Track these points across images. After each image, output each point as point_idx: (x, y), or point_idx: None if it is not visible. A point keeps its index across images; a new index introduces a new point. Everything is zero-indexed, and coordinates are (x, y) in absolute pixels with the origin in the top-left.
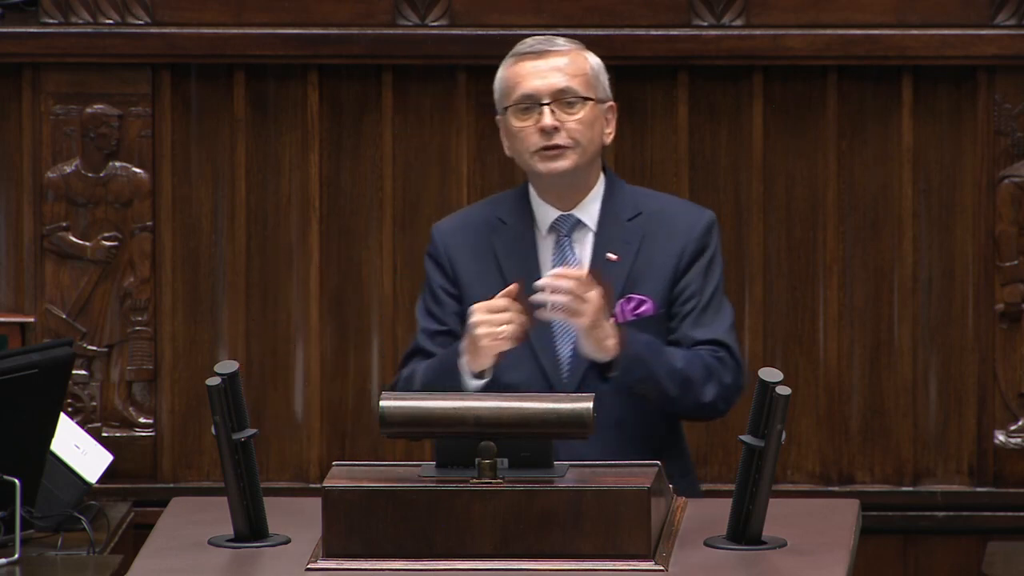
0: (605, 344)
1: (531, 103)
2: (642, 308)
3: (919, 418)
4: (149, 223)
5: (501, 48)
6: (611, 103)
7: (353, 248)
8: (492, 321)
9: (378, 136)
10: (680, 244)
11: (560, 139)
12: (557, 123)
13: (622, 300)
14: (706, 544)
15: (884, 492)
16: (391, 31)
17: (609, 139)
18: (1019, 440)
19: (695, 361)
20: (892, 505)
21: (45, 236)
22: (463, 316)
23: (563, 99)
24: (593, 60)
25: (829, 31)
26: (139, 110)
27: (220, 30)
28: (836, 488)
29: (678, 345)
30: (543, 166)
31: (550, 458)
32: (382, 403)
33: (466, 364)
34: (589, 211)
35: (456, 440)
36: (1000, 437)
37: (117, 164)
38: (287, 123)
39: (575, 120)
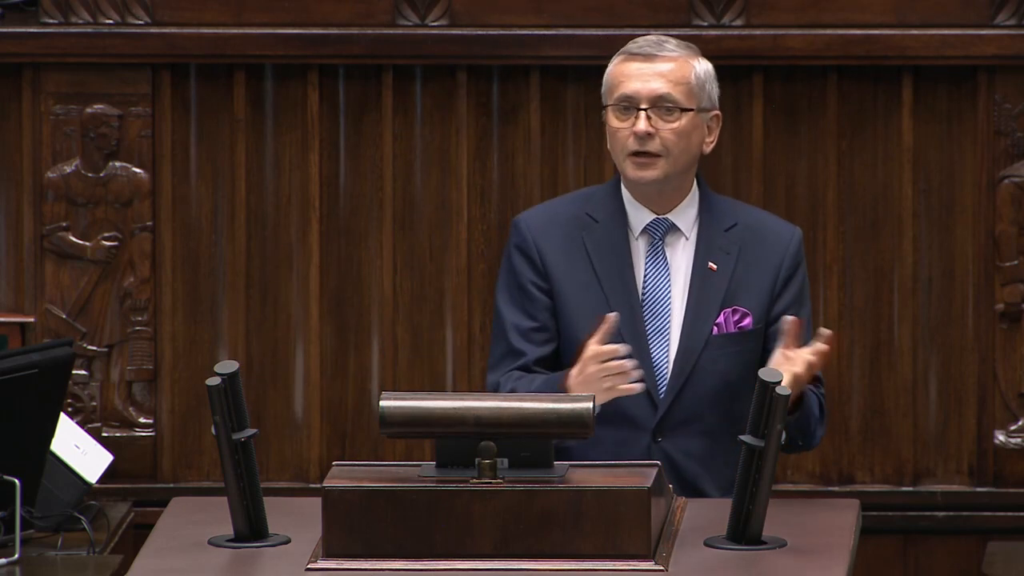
0: (801, 380)
1: (630, 104)
2: (744, 322)
3: (919, 418)
4: (149, 223)
5: (501, 48)
6: (715, 112)
7: (353, 248)
8: (609, 369)
9: (378, 136)
10: (777, 260)
11: (652, 146)
12: (652, 129)
13: (726, 310)
14: (706, 544)
15: (884, 492)
16: (391, 31)
17: (709, 148)
18: (1019, 440)
19: (818, 407)
20: (892, 505)
21: (45, 236)
22: (554, 311)
23: (661, 105)
24: (700, 68)
25: (829, 31)
26: (139, 110)
27: (220, 30)
28: (836, 488)
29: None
30: (632, 172)
31: (550, 458)
32: (382, 403)
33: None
34: (684, 217)
35: (456, 440)
36: (1000, 437)
37: (117, 164)
38: (287, 123)
39: (670, 128)
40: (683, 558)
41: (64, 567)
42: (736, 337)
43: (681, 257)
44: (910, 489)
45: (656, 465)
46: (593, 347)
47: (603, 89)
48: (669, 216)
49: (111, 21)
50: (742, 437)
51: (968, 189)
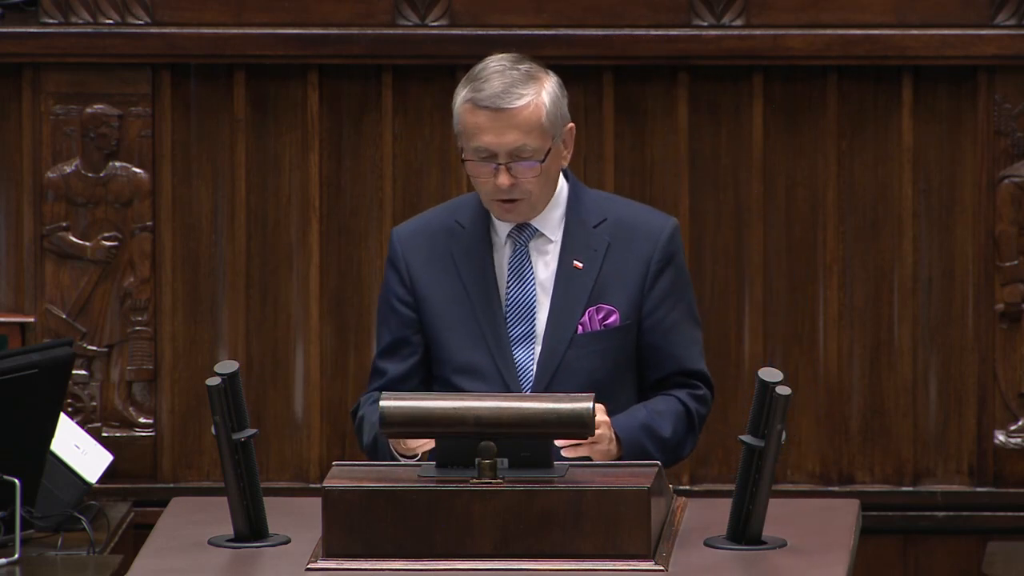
0: (612, 454)
1: (488, 155)
2: (610, 319)
3: (919, 418)
4: (149, 223)
5: (501, 48)
6: (568, 127)
7: (353, 248)
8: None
9: (378, 136)
10: (647, 253)
11: (516, 194)
12: (512, 180)
13: (591, 309)
14: (706, 544)
15: (884, 492)
16: (391, 31)
17: (567, 161)
18: (1019, 440)
19: (680, 422)
20: (892, 505)
21: (45, 236)
22: (417, 325)
23: (519, 156)
24: (549, 98)
25: (829, 31)
26: (139, 110)
27: (220, 30)
28: (836, 488)
29: (653, 359)
30: (499, 215)
31: (550, 458)
32: (382, 403)
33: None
34: (549, 219)
35: (456, 440)
36: (1000, 437)
37: (117, 164)
38: (287, 123)
39: (531, 175)
40: (683, 558)
41: (64, 567)
42: (602, 335)
43: (547, 258)
44: (910, 489)
45: (656, 465)
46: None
47: (456, 129)
48: (532, 222)
49: (111, 21)
50: (742, 437)
51: (968, 189)
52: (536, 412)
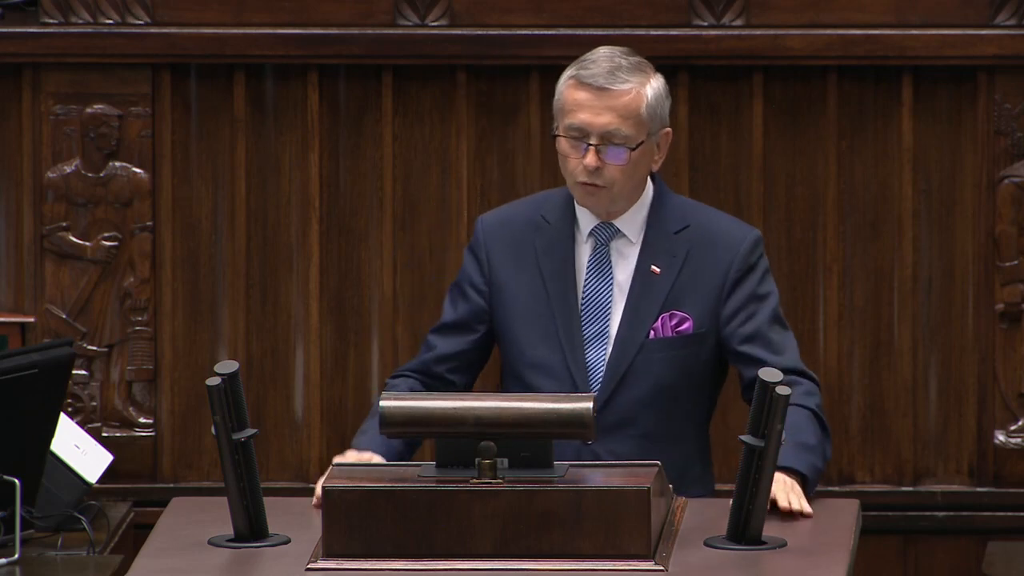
0: (798, 490)
1: (579, 135)
2: (683, 326)
3: (919, 418)
4: (149, 223)
5: (501, 48)
6: (666, 130)
7: (353, 248)
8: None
9: (378, 136)
10: (726, 263)
11: (600, 179)
12: (600, 164)
13: (664, 315)
14: (706, 544)
15: (884, 492)
16: (391, 31)
17: (657, 166)
18: (1019, 440)
19: (816, 429)
20: (892, 505)
21: (45, 236)
22: (484, 315)
23: (611, 140)
24: (652, 93)
25: (829, 31)
26: (139, 110)
27: (220, 30)
28: (836, 488)
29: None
30: (580, 199)
31: (550, 458)
32: (382, 403)
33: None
34: (632, 221)
35: (456, 440)
36: (1000, 437)
37: (117, 164)
38: (287, 123)
39: (618, 163)
40: (683, 558)
41: (64, 567)
42: (673, 341)
43: (626, 261)
44: (910, 489)
45: (656, 465)
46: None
47: (555, 107)
48: (615, 222)
49: (111, 21)
50: (742, 437)
51: (968, 189)
52: (536, 412)
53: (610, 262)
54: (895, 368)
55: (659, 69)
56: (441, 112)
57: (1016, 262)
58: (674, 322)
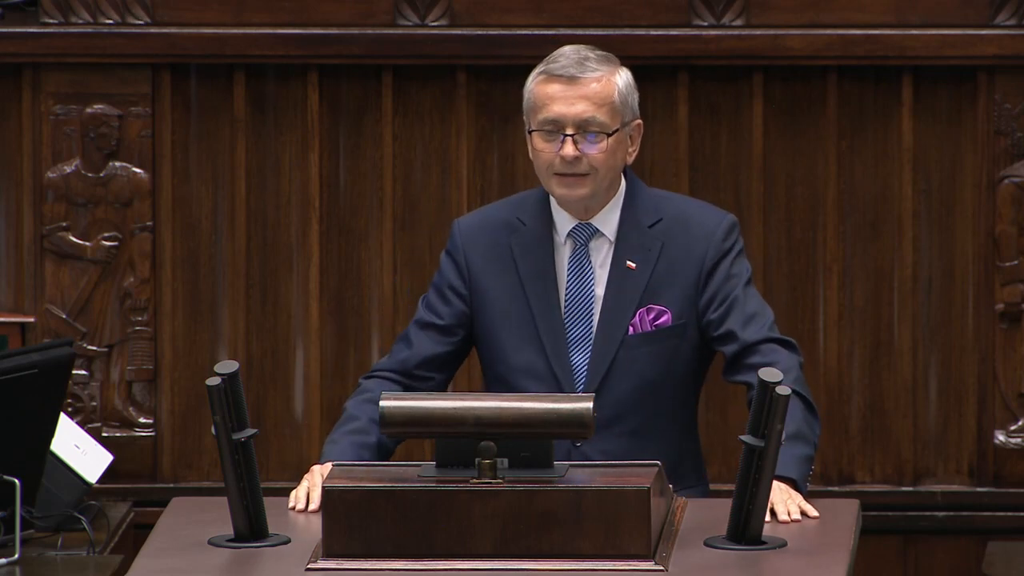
0: (793, 493)
1: (555, 128)
2: (661, 319)
3: (919, 418)
4: (149, 223)
5: (501, 48)
6: (637, 121)
7: (353, 248)
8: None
9: (378, 136)
10: (701, 251)
11: (580, 168)
12: (579, 153)
13: (642, 310)
14: (706, 544)
15: (884, 492)
16: (391, 31)
17: (632, 158)
18: (1019, 440)
19: (800, 411)
20: (892, 505)
21: (45, 236)
22: (465, 319)
23: (587, 129)
24: (622, 82)
25: (829, 31)
26: (139, 110)
27: (220, 30)
28: (836, 488)
29: (729, 341)
30: (560, 190)
31: (550, 458)
32: (382, 403)
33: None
34: (608, 220)
35: (456, 440)
36: (1000, 437)
37: (117, 164)
38: (287, 123)
39: (597, 150)
40: (683, 558)
41: (64, 567)
42: (653, 336)
43: (604, 259)
44: (910, 489)
45: (656, 465)
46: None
47: (524, 107)
48: (592, 221)
49: (111, 21)
50: (742, 437)
51: (968, 189)
52: (536, 412)
53: (590, 262)
54: (895, 368)
55: (659, 69)
56: (441, 112)
57: (1016, 262)
58: (652, 316)
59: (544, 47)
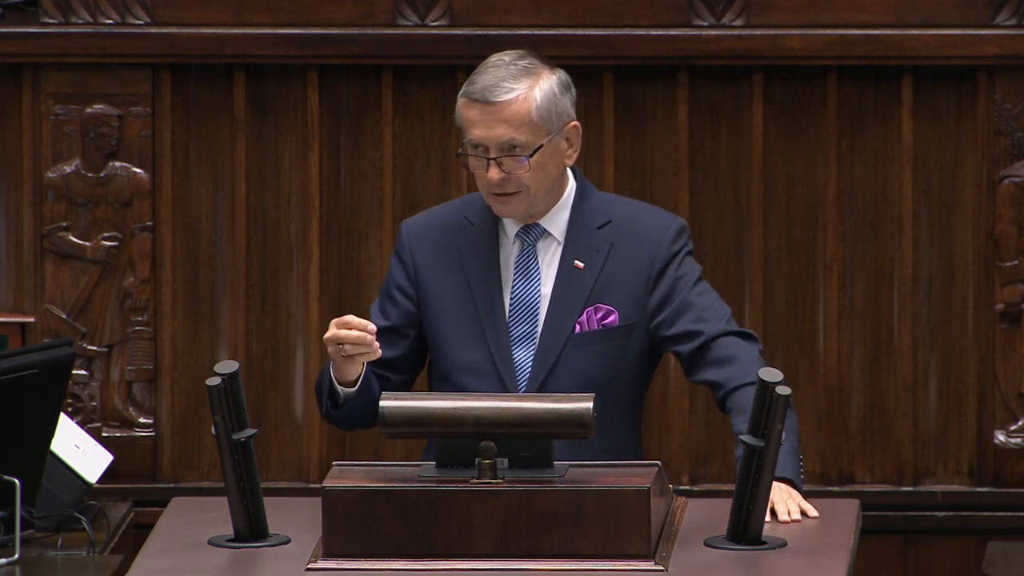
0: (793, 493)
1: (481, 151)
2: (609, 319)
3: (919, 418)
4: (149, 223)
5: (501, 48)
6: (572, 124)
7: (353, 248)
8: (338, 337)
9: (378, 136)
10: (650, 253)
11: (509, 187)
12: (504, 174)
13: (589, 309)
14: (706, 544)
15: (884, 492)
16: (391, 31)
17: (572, 160)
18: (1019, 440)
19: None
20: (892, 505)
21: (45, 236)
22: (413, 319)
23: (510, 151)
24: (542, 94)
25: (829, 31)
26: (139, 110)
27: (220, 30)
28: (836, 488)
29: (685, 340)
30: (496, 207)
31: (550, 458)
32: (382, 403)
33: (332, 374)
34: (556, 220)
35: (456, 440)
36: (1000, 437)
37: (117, 164)
38: (287, 123)
39: (523, 169)
40: (683, 558)
41: (64, 567)
42: (599, 335)
43: (552, 260)
44: (910, 489)
45: (656, 465)
46: (347, 318)
47: (457, 124)
48: (540, 222)
49: (111, 21)
50: (742, 437)
51: (968, 189)
52: (536, 412)
53: (537, 262)
54: (895, 368)
55: (659, 69)
56: (441, 112)
57: (1016, 262)
58: (599, 315)
59: (544, 47)
